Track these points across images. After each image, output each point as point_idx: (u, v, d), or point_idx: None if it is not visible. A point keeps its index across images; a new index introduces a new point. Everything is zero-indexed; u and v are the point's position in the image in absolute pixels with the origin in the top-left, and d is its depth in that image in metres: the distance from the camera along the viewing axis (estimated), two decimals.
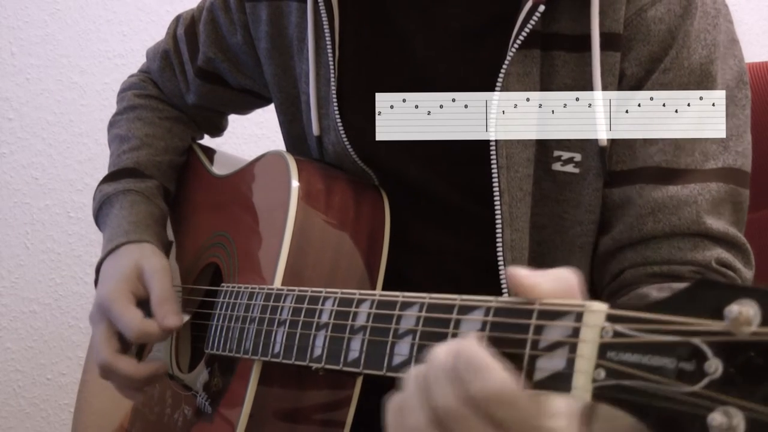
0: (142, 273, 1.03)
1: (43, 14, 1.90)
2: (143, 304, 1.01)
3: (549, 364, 0.55)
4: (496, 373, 0.56)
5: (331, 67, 0.99)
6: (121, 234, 1.08)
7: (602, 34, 0.89)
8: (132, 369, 1.00)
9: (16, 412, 1.93)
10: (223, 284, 0.99)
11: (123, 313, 0.98)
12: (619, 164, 0.91)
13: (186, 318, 1.00)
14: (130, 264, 1.04)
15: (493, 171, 0.91)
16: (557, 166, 0.92)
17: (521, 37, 0.88)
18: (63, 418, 1.94)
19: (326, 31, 0.99)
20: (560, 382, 0.54)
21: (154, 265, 1.03)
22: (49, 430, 1.94)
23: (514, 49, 0.88)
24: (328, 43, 0.99)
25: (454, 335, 0.63)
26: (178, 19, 1.26)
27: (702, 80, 0.90)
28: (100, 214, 1.16)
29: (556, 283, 0.59)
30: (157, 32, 1.80)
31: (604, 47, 0.89)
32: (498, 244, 0.91)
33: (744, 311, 0.45)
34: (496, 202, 0.91)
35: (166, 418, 1.06)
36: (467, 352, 0.57)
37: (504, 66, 0.89)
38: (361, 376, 0.91)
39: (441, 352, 0.59)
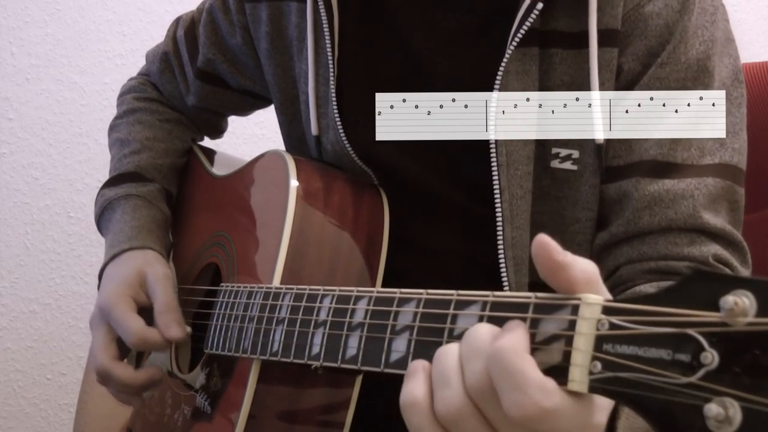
0: (145, 280, 1.02)
1: (43, 14, 1.91)
2: (144, 311, 1.01)
3: (546, 358, 0.55)
4: (535, 388, 0.53)
5: (330, 66, 0.99)
6: (124, 240, 1.08)
7: (600, 31, 0.89)
8: (128, 376, 0.99)
9: (16, 412, 1.93)
10: (222, 284, 0.99)
11: (124, 319, 0.98)
12: (616, 159, 0.91)
13: (189, 330, 0.99)
14: (133, 270, 1.03)
15: (493, 169, 0.91)
16: (555, 164, 0.92)
17: (519, 35, 0.88)
18: (63, 418, 1.94)
19: (325, 30, 0.99)
20: (557, 375, 0.54)
21: (158, 273, 1.03)
22: (49, 430, 1.94)
23: (512, 47, 0.88)
24: (328, 42, 0.99)
25: (451, 331, 0.63)
26: (177, 21, 1.27)
27: (699, 75, 0.90)
28: (102, 220, 1.16)
29: (582, 274, 0.56)
30: (157, 32, 1.81)
31: (601, 44, 0.89)
32: (499, 242, 0.91)
33: (740, 302, 0.45)
34: (496, 200, 0.91)
35: (167, 419, 1.06)
36: (506, 360, 0.55)
37: (503, 64, 0.89)
38: (361, 376, 0.91)
39: (483, 337, 0.57)
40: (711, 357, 0.46)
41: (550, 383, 0.54)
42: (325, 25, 0.99)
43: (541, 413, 0.53)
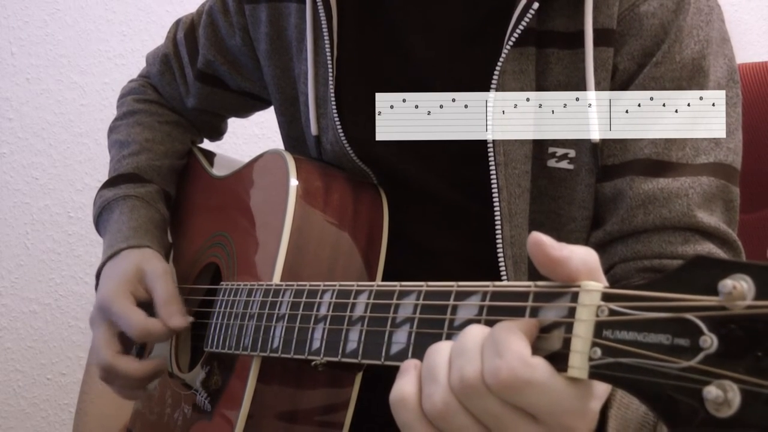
0: (144, 276, 1.03)
1: (43, 14, 1.92)
2: (143, 306, 1.01)
3: (546, 345, 0.55)
4: (513, 356, 0.54)
5: (329, 66, 1.00)
6: (122, 239, 1.08)
7: (595, 30, 0.89)
8: (134, 368, 0.99)
9: (16, 412, 1.93)
10: (222, 283, 0.99)
11: (125, 312, 0.98)
12: (611, 158, 0.91)
13: (191, 319, 0.99)
14: (131, 267, 1.04)
15: (491, 168, 0.91)
16: (552, 163, 0.92)
17: (516, 35, 0.88)
18: (63, 418, 1.94)
19: (324, 31, 0.99)
20: (557, 362, 0.54)
21: (156, 268, 1.03)
22: (49, 430, 1.94)
23: (508, 47, 0.89)
24: (327, 43, 0.99)
25: (451, 322, 0.63)
26: (177, 23, 1.27)
27: (694, 75, 0.90)
28: (100, 220, 1.16)
29: (583, 265, 0.56)
30: (157, 32, 1.82)
31: (597, 43, 0.89)
32: (498, 241, 0.91)
33: (738, 285, 0.45)
34: (494, 199, 0.91)
35: (167, 418, 1.06)
36: (495, 333, 0.55)
37: (499, 63, 0.89)
38: (360, 375, 0.91)
39: (475, 328, 0.58)
40: (710, 341, 0.46)
41: (537, 359, 0.54)
42: (324, 26, 0.99)
43: (515, 381, 0.53)
